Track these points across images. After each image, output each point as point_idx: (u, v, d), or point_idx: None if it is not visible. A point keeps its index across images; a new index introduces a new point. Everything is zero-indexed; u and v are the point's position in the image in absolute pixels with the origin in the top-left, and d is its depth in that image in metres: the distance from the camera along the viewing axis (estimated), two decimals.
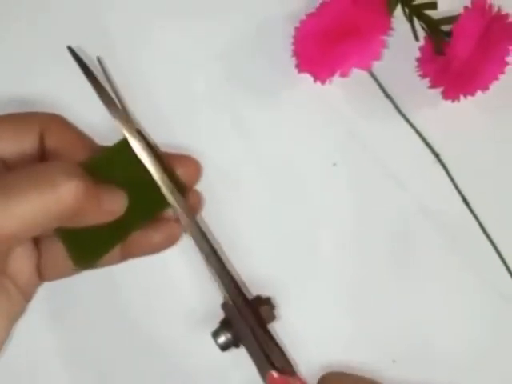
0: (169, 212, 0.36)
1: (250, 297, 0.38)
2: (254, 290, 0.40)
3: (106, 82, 0.36)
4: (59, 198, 0.29)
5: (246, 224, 0.41)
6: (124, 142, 0.35)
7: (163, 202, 0.35)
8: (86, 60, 0.36)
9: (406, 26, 0.39)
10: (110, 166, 0.34)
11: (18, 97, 0.41)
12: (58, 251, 0.34)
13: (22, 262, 0.33)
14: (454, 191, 0.40)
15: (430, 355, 0.40)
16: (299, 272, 0.41)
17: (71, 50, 0.36)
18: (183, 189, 0.36)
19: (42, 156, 0.34)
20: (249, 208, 0.41)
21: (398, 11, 0.39)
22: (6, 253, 0.31)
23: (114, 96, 0.36)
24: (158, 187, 0.35)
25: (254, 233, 0.41)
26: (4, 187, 0.28)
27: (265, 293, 0.39)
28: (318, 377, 0.38)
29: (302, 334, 0.40)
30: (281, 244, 0.41)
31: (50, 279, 0.35)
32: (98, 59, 0.36)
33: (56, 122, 0.34)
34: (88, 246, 0.33)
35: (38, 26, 0.42)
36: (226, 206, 0.41)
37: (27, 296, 0.33)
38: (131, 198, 0.33)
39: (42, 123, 0.34)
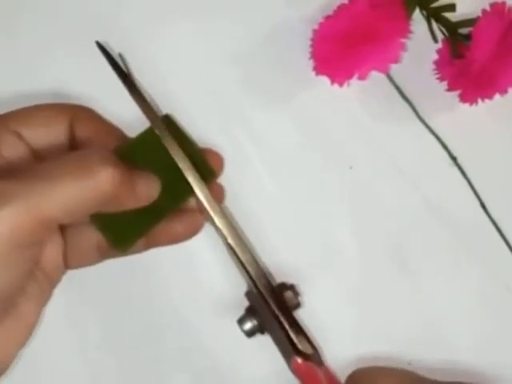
0: (191, 203, 0.36)
1: (274, 284, 0.38)
2: (278, 278, 0.39)
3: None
4: (96, 184, 0.29)
5: (268, 217, 0.41)
6: (150, 131, 0.35)
7: (191, 188, 0.36)
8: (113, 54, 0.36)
9: (424, 28, 0.39)
10: (139, 153, 0.35)
11: (44, 90, 0.41)
12: (83, 240, 0.34)
13: (50, 249, 0.33)
14: (470, 194, 0.40)
15: (446, 355, 0.40)
16: (319, 265, 0.41)
17: (99, 45, 0.36)
18: (211, 173, 0.36)
19: (72, 146, 0.34)
20: (272, 205, 0.41)
21: (416, 13, 0.39)
22: (43, 239, 0.31)
23: (139, 88, 0.36)
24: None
25: (277, 225, 0.41)
26: (43, 173, 0.29)
27: (289, 281, 0.39)
28: (341, 368, 0.38)
29: (323, 323, 0.40)
30: (303, 235, 0.41)
31: (75, 267, 0.35)
32: (120, 55, 0.36)
33: (85, 112, 0.35)
34: (123, 230, 0.34)
35: (62, 19, 0.42)
36: (247, 199, 0.41)
37: (53, 283, 0.34)
38: (162, 183, 0.34)
39: (71, 113, 0.34)
